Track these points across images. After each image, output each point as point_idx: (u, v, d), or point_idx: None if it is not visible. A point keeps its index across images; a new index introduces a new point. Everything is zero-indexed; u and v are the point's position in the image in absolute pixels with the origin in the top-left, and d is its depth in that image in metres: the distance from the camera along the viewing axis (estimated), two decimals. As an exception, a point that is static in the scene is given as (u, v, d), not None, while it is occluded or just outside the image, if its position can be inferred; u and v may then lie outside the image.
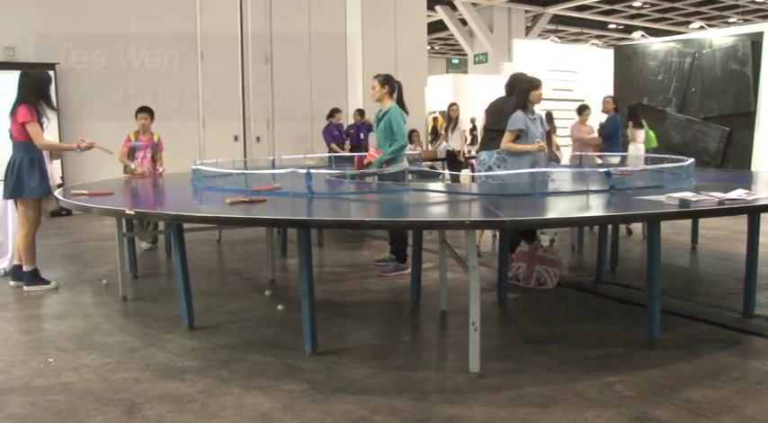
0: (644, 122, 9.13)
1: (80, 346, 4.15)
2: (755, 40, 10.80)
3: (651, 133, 9.32)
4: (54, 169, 6.01)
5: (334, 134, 11.45)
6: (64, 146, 6.71)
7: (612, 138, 8.61)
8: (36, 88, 5.51)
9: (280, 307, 5.12)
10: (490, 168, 6.20)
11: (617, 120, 8.62)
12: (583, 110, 9.28)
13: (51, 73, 10.20)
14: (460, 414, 3.13)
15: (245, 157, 11.37)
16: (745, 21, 21.99)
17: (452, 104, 11.77)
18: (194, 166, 5.92)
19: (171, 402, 3.29)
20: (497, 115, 6.24)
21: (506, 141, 5.76)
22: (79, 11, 10.46)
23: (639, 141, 8.89)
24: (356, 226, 6.04)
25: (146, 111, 7.05)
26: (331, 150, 10.95)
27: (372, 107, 6.83)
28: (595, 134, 8.99)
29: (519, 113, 5.69)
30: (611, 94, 12.37)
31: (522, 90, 5.75)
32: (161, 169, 7.10)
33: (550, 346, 4.13)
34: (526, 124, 5.66)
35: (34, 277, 5.65)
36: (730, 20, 22.76)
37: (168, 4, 11.09)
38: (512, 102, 5.99)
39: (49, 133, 9.78)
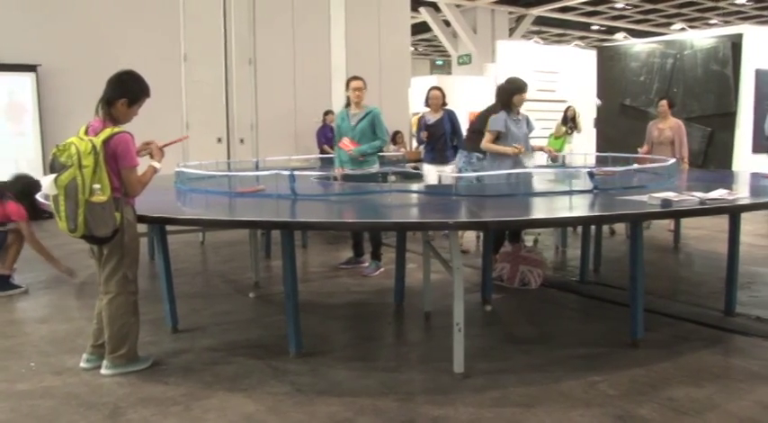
0: None
1: (63, 350, 4.12)
2: (735, 42, 10.90)
3: None
4: None
5: (327, 136, 11.45)
6: None
7: None
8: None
9: (251, 294, 5.39)
10: (460, 170, 6.41)
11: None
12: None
13: (33, 75, 10.18)
14: (445, 415, 3.13)
15: (228, 158, 11.31)
16: (726, 22, 22.19)
17: None
18: (177, 169, 5.89)
19: (155, 406, 3.27)
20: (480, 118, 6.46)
21: (486, 141, 5.77)
22: (61, 12, 10.39)
23: None
24: (339, 227, 6.05)
25: None
26: (322, 152, 10.94)
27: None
28: None
29: (501, 114, 5.70)
30: (597, 94, 12.51)
31: (506, 91, 5.75)
32: None
33: (535, 346, 4.14)
34: (507, 125, 5.66)
35: None
36: (711, 21, 22.98)
37: (151, 6, 11.04)
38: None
39: (29, 138, 9.68)
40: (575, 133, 10.75)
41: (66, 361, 3.91)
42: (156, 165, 3.79)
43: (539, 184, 5.76)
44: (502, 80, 6.38)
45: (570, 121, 10.67)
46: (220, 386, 3.53)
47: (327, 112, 11.57)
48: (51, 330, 4.56)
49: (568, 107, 10.97)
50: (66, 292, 5.65)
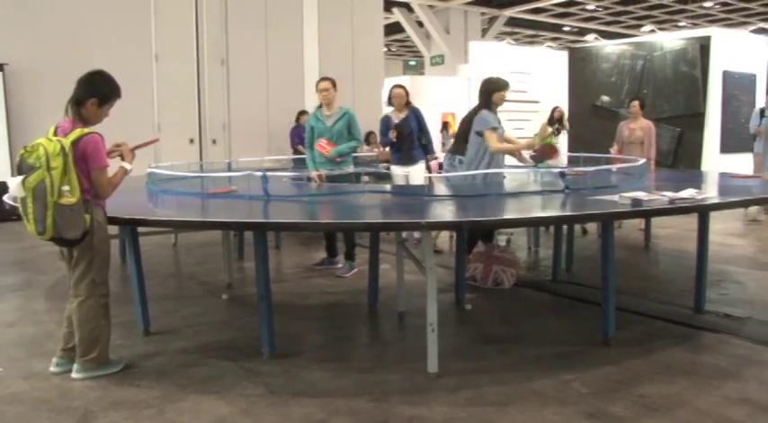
0: None
1: (32, 354, 4.05)
2: (704, 44, 11.07)
3: None
4: None
5: (301, 136, 11.42)
6: None
7: None
8: None
9: (224, 296, 5.40)
10: (446, 172, 6.41)
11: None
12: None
13: (-1, 74, 10.01)
14: (420, 415, 3.14)
15: (200, 159, 11.23)
16: (694, 25, 22.56)
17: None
18: (149, 170, 5.84)
19: (127, 409, 3.24)
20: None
21: (494, 142, 5.54)
22: (30, 9, 10.22)
23: None
24: (312, 228, 6.04)
25: None
26: (296, 152, 10.92)
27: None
28: None
29: (487, 112, 5.61)
30: (567, 96, 12.58)
31: (486, 90, 5.71)
32: None
33: (508, 346, 4.17)
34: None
35: None
36: (680, 23, 23.32)
37: (122, 4, 10.90)
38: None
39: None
40: (561, 134, 10.68)
41: (35, 365, 3.85)
42: (127, 166, 3.75)
43: (511, 184, 5.80)
44: (476, 80, 6.37)
45: (557, 122, 10.53)
46: (193, 389, 3.50)
47: (303, 113, 11.54)
48: (19, 334, 4.49)
49: (555, 108, 10.82)
50: (35, 296, 5.56)
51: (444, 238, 7.68)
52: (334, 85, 6.14)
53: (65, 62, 9.06)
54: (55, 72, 9.17)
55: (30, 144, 3.41)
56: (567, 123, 10.64)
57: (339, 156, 6.06)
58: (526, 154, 6.25)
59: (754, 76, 11.71)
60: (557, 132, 10.37)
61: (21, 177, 3.37)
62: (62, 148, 3.36)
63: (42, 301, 5.39)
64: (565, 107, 12.53)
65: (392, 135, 6.91)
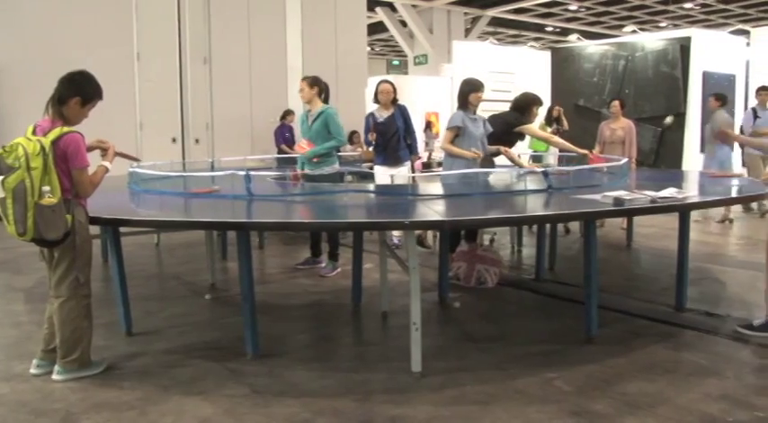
0: None
1: (11, 356, 4.01)
2: (684, 45, 11.18)
3: None
4: None
5: (285, 136, 11.42)
6: None
7: None
8: None
9: (207, 296, 5.38)
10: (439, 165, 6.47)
11: None
12: None
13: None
14: (403, 414, 3.14)
15: (183, 159, 11.16)
16: (675, 26, 22.75)
17: None
18: (131, 169, 5.80)
19: (109, 411, 3.22)
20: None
21: (446, 141, 5.84)
22: (9, 9, 10.10)
23: None
24: (295, 227, 6.02)
25: None
26: (281, 152, 10.89)
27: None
28: None
29: (458, 112, 5.80)
30: (550, 96, 12.62)
31: (462, 91, 5.83)
32: None
33: (491, 345, 4.18)
34: (464, 123, 5.72)
35: None
36: (661, 24, 23.50)
37: (104, 4, 10.80)
38: (511, 115, 6.31)
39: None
40: (559, 134, 10.41)
41: (14, 367, 3.81)
42: (108, 165, 3.72)
43: (495, 183, 5.82)
44: (459, 80, 6.39)
45: (555, 122, 10.10)
46: (176, 389, 3.48)
47: (289, 112, 11.53)
48: (0, 335, 4.45)
49: (553, 106, 10.34)
50: (15, 298, 5.51)
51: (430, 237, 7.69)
52: (310, 84, 5.99)
53: (45, 61, 8.98)
54: (35, 71, 9.09)
55: (8, 144, 3.37)
56: (565, 122, 10.29)
57: (315, 156, 6.01)
58: (517, 153, 6.35)
59: (734, 76, 11.83)
60: (555, 132, 9.94)
61: (0, 178, 3.34)
62: (42, 147, 3.33)
63: (22, 303, 5.34)
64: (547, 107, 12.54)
65: (371, 138, 6.70)
